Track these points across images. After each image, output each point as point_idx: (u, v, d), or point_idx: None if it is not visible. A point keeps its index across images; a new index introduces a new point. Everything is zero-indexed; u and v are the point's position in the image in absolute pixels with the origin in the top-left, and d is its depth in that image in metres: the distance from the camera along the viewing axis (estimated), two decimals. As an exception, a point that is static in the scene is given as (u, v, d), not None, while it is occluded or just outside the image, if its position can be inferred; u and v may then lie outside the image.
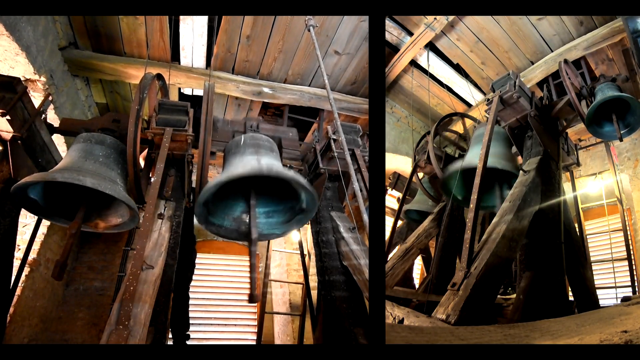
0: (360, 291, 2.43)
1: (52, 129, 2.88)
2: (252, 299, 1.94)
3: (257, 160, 2.47)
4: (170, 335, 2.85)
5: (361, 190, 2.14)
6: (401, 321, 2.45)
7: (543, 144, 3.13)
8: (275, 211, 2.66)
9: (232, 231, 2.57)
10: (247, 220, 2.52)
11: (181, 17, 4.11)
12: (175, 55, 4.47)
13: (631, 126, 3.29)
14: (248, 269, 2.09)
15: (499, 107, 3.22)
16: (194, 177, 2.68)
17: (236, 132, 3.09)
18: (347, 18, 4.30)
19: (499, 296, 3.40)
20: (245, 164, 2.44)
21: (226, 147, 2.83)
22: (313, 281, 3.57)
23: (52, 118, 3.77)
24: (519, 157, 3.42)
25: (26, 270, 4.01)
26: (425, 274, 5.37)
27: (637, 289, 3.99)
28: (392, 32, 5.19)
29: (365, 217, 1.85)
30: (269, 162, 2.46)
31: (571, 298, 2.97)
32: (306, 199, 2.49)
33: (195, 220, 2.49)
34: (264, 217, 2.64)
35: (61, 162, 2.53)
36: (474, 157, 3.36)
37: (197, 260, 3.07)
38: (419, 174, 4.75)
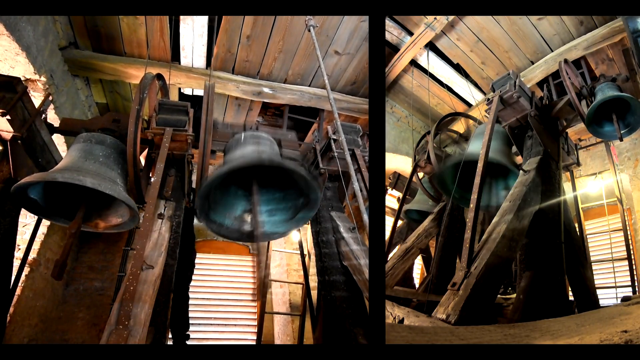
0: (360, 291, 2.43)
1: (52, 129, 2.88)
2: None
3: (257, 152, 2.48)
4: (170, 335, 2.85)
5: (361, 190, 2.14)
6: (401, 321, 2.44)
7: (543, 144, 3.13)
8: (277, 209, 2.66)
9: (234, 231, 2.57)
10: (249, 220, 2.53)
11: (181, 17, 4.11)
12: (175, 55, 4.47)
13: (631, 126, 3.29)
14: (248, 269, 2.09)
15: (499, 106, 3.22)
16: (194, 177, 2.68)
17: (236, 134, 3.09)
18: (347, 18, 4.29)
19: (499, 296, 3.40)
20: (245, 155, 2.45)
21: (226, 145, 2.83)
22: (313, 281, 3.57)
23: (52, 118, 3.77)
24: (519, 157, 3.42)
25: (26, 270, 4.01)
26: (425, 274, 5.37)
27: (637, 289, 3.99)
28: (392, 32, 5.19)
29: (365, 217, 1.85)
30: (269, 154, 2.47)
31: (571, 298, 2.97)
32: (308, 191, 2.47)
33: (195, 220, 2.49)
34: (267, 216, 2.64)
35: (61, 162, 2.54)
36: (471, 151, 3.35)
37: (197, 260, 3.07)
38: (419, 173, 4.75)
